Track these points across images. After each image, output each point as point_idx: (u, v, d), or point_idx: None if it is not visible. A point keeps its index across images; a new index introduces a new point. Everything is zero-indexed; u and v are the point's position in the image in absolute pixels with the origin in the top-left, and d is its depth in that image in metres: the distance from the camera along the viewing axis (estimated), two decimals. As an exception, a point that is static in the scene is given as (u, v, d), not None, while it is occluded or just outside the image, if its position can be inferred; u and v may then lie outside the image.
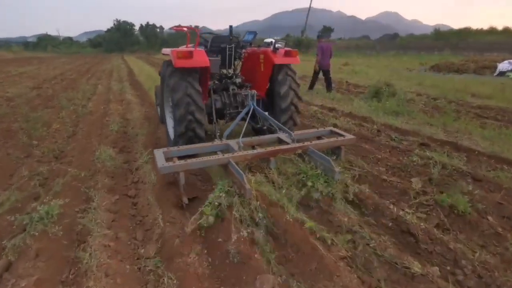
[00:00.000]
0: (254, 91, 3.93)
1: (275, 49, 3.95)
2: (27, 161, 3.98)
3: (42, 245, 2.25)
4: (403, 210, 2.72)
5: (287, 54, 3.92)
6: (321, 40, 9.67)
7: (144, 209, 2.85)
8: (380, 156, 3.99)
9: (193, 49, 3.54)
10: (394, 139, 4.74)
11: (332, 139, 3.60)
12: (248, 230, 2.33)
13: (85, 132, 5.26)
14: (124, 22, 55.30)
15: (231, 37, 4.24)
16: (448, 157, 3.92)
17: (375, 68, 15.72)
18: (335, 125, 5.37)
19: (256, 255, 2.14)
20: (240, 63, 4.60)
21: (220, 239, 2.32)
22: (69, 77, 13.89)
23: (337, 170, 2.96)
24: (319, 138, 3.81)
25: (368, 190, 3.06)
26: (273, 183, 3.07)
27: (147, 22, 55.43)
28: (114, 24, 54.63)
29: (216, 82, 4.36)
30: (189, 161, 2.91)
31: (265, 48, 4.16)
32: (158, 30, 55.48)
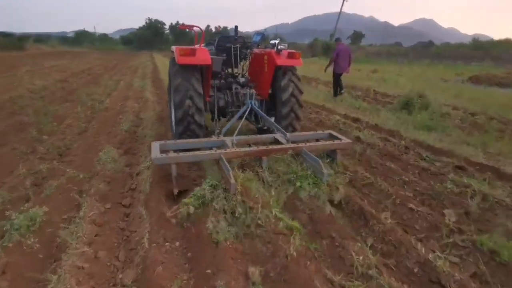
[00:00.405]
0: (252, 91, 4.13)
1: (278, 50, 3.93)
2: (30, 157, 3.86)
3: (13, 260, 2.02)
4: (433, 251, 2.26)
5: (290, 55, 3.92)
6: (339, 43, 9.29)
7: (135, 222, 2.58)
8: (407, 179, 3.49)
9: (197, 47, 3.68)
10: (424, 159, 4.19)
11: (327, 142, 3.64)
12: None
13: (95, 130, 5.14)
14: (156, 21, 56.75)
15: (236, 38, 4.30)
16: (489, 185, 3.35)
17: (406, 77, 14.80)
18: (357, 138, 4.91)
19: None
20: (247, 63, 4.68)
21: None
22: (96, 72, 14.22)
23: (325, 172, 2.95)
24: (318, 140, 3.85)
25: (390, 220, 2.61)
26: (263, 181, 3.07)
27: (177, 21, 56.48)
28: (146, 22, 56.18)
29: (222, 81, 4.41)
30: (181, 154, 3.04)
31: (269, 50, 4.14)
32: (187, 30, 56.69)
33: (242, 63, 4.66)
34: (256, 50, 4.51)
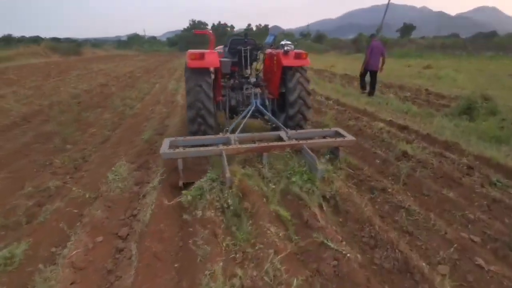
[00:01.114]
0: (258, 90, 4.46)
1: (286, 51, 4.01)
2: (43, 171, 3.74)
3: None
4: None
5: (297, 56, 3.99)
6: (373, 39, 8.80)
7: (124, 263, 2.19)
8: (472, 215, 2.69)
9: (207, 50, 3.86)
10: (495, 184, 3.30)
11: (329, 140, 3.67)
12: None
13: (117, 139, 4.98)
14: (199, 22, 58.16)
15: (246, 40, 4.48)
16: None
17: (465, 73, 12.98)
18: (404, 152, 4.10)
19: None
20: (260, 63, 4.92)
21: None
22: (136, 75, 14.59)
23: (319, 168, 2.99)
24: (325, 137, 3.85)
25: (449, 281, 1.91)
26: (263, 177, 3.20)
27: (219, 22, 57.39)
28: (189, 24, 57.79)
29: (235, 81, 4.64)
30: (187, 149, 3.31)
31: (279, 50, 4.18)
32: (228, 29, 57.00)
33: (255, 64, 4.90)
34: (269, 51, 4.64)
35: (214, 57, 3.78)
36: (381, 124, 5.51)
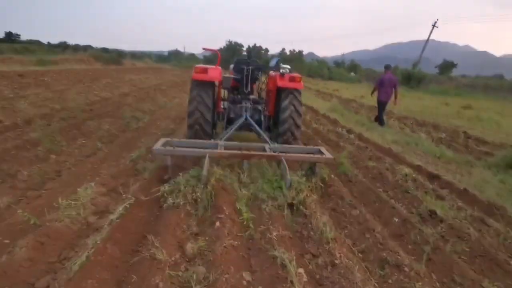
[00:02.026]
0: (248, 104, 4.78)
1: (282, 74, 4.39)
2: (1, 184, 3.30)
3: None
4: None
5: (291, 79, 4.39)
6: (387, 71, 8.67)
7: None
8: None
9: (211, 66, 4.32)
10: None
11: (307, 155, 3.98)
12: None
13: (104, 154, 4.55)
14: (235, 43, 59.94)
15: (249, 61, 4.85)
16: None
17: (511, 118, 11.68)
18: (432, 212, 3.25)
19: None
20: (262, 83, 5.45)
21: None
22: (160, 88, 14.63)
23: (289, 178, 3.32)
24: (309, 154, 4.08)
25: None
26: (240, 181, 3.62)
27: (254, 44, 59.01)
28: (226, 44, 59.58)
29: (237, 96, 5.06)
30: (176, 149, 3.60)
31: (277, 73, 4.54)
32: (262, 51, 58.37)
33: (257, 83, 5.42)
34: (271, 73, 5.06)
35: (216, 72, 4.27)
36: (407, 169, 4.63)
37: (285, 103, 4.46)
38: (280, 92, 4.60)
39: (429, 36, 39.82)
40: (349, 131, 7.41)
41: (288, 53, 55.55)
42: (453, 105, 14.96)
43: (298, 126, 4.56)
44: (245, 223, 2.85)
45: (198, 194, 3.10)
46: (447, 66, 50.64)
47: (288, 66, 4.62)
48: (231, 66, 5.47)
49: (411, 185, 4.07)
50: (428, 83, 31.42)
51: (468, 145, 7.01)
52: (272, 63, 5.34)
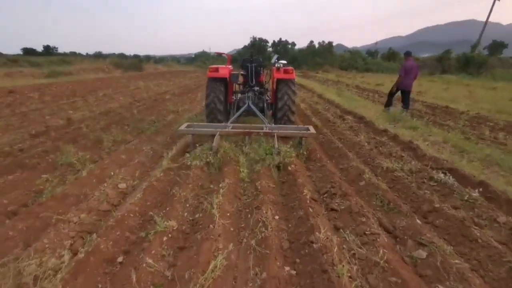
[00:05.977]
0: (250, 94, 6.16)
1: (277, 68, 5.60)
2: None
3: None
4: None
5: (285, 72, 5.57)
6: (408, 58, 8.62)
7: None
8: None
9: (221, 66, 5.72)
10: None
11: (294, 131, 5.03)
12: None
13: (82, 179, 3.72)
14: (260, 39, 58.34)
15: (252, 59, 6.30)
16: None
17: None
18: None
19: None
20: (267, 76, 6.96)
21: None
22: (171, 94, 13.13)
23: (276, 146, 4.40)
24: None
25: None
26: (243, 152, 4.75)
27: (280, 38, 57.88)
28: (250, 40, 57.44)
29: (244, 88, 6.48)
30: (195, 128, 4.98)
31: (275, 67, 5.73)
32: (289, 46, 57.00)
33: (263, 77, 6.74)
34: (273, 68, 5.93)
35: (226, 71, 5.59)
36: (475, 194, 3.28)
37: (281, 92, 5.58)
38: (278, 83, 5.74)
39: (489, 12, 35.79)
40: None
41: (317, 45, 53.21)
42: (502, 90, 12.65)
43: (293, 112, 5.67)
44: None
45: (210, 158, 4.28)
46: (497, 47, 46.05)
47: (284, 61, 5.86)
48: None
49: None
50: (489, 68, 27.93)
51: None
52: (273, 59, 6.25)
